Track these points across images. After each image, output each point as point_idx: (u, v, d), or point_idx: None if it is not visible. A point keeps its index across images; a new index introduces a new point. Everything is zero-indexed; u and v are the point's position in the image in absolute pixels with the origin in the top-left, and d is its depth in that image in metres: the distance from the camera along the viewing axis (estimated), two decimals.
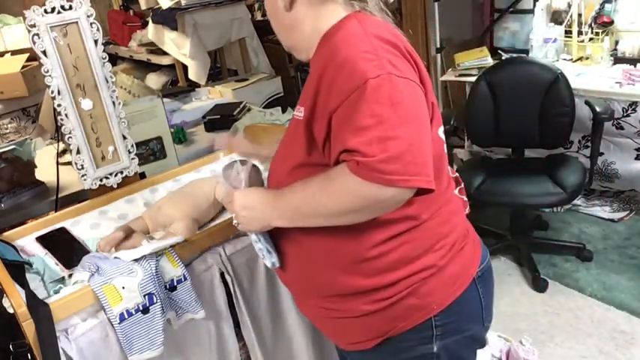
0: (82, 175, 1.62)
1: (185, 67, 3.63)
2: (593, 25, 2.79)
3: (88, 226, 1.56)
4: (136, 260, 1.21)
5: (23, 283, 1.19)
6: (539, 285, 2.42)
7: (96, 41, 1.55)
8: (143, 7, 3.87)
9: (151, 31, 3.74)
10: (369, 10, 1.01)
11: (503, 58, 3.07)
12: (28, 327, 1.09)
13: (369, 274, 1.00)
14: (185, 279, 1.27)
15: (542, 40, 2.97)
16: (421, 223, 1.00)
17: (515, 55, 3.11)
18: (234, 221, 1.10)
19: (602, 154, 2.69)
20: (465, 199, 1.24)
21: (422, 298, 1.01)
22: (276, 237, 1.10)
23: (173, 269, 1.26)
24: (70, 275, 1.31)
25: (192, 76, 3.52)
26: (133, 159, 1.69)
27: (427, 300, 1.01)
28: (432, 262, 1.01)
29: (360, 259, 0.99)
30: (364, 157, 0.84)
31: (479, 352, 1.16)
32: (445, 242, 1.04)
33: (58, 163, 1.82)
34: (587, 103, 2.39)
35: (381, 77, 0.86)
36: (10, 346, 1.16)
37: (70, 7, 1.49)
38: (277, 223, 1.03)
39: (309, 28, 1.02)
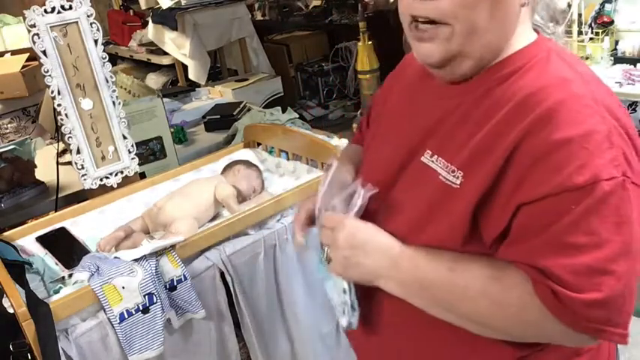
0: (82, 175, 1.62)
1: (185, 67, 3.63)
2: (593, 25, 2.79)
3: (88, 226, 1.56)
4: (136, 260, 1.21)
5: (23, 283, 1.19)
6: None
7: (96, 41, 1.55)
8: (143, 7, 3.87)
9: (151, 31, 3.74)
10: (559, 38, 0.77)
11: None
12: (28, 327, 1.08)
13: None
14: (185, 279, 1.27)
15: None
16: None
17: None
18: (324, 255, 0.81)
19: None
20: None
21: None
22: (370, 289, 0.80)
23: (173, 269, 1.26)
24: (70, 275, 1.31)
25: (192, 76, 3.52)
26: (133, 159, 1.69)
27: None
28: None
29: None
30: (565, 290, 0.62)
31: None
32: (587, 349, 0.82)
33: (58, 163, 1.82)
34: None
35: (615, 182, 0.62)
36: (10, 346, 1.16)
37: (70, 7, 1.49)
38: (386, 285, 0.76)
39: (496, 36, 0.70)
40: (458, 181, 0.70)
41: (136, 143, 1.73)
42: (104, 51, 1.58)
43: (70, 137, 1.57)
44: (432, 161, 0.75)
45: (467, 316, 0.71)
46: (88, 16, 1.53)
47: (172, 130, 2.15)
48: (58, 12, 1.48)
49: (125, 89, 3.40)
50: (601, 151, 0.62)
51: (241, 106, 2.52)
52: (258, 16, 5.16)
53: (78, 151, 1.59)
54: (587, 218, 0.62)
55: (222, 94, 3.08)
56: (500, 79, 0.71)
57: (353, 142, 1.12)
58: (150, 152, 1.98)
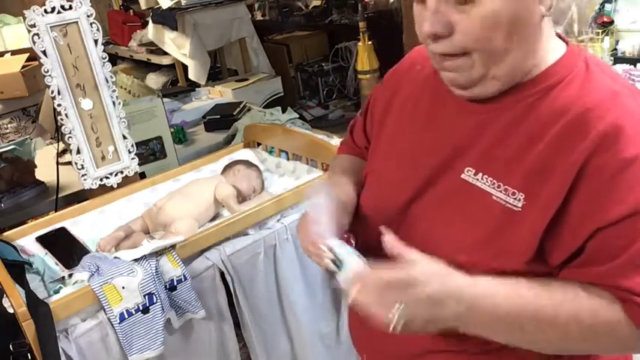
0: (82, 175, 1.62)
1: (185, 67, 3.63)
2: (593, 25, 2.79)
3: (88, 226, 1.56)
4: (136, 260, 1.21)
5: (23, 283, 1.19)
6: None
7: (96, 41, 1.56)
8: (143, 7, 3.87)
9: (151, 31, 3.74)
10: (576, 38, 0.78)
11: None
12: (28, 327, 1.08)
13: None
14: (185, 279, 1.27)
15: None
16: None
17: None
18: (394, 318, 0.66)
19: None
20: None
21: None
22: None
23: (173, 269, 1.26)
24: (70, 275, 1.31)
25: (192, 76, 3.52)
26: (133, 159, 1.69)
27: None
28: None
29: None
30: None
31: None
32: None
33: (58, 163, 1.82)
34: None
35: None
36: (10, 346, 1.16)
37: (70, 7, 1.49)
38: (466, 329, 0.70)
39: (521, 54, 0.69)
40: (520, 204, 0.68)
41: (136, 143, 1.73)
42: (104, 51, 1.58)
43: (70, 137, 1.57)
44: (477, 179, 0.72)
45: (554, 341, 0.69)
46: (88, 16, 1.53)
47: (172, 130, 2.15)
48: (58, 12, 1.48)
49: (125, 89, 3.40)
50: None
51: (241, 106, 2.52)
52: (258, 16, 5.16)
53: (78, 151, 1.59)
54: None
55: (222, 94, 3.08)
56: (541, 92, 0.70)
57: (345, 152, 1.06)
58: (150, 152, 1.98)
